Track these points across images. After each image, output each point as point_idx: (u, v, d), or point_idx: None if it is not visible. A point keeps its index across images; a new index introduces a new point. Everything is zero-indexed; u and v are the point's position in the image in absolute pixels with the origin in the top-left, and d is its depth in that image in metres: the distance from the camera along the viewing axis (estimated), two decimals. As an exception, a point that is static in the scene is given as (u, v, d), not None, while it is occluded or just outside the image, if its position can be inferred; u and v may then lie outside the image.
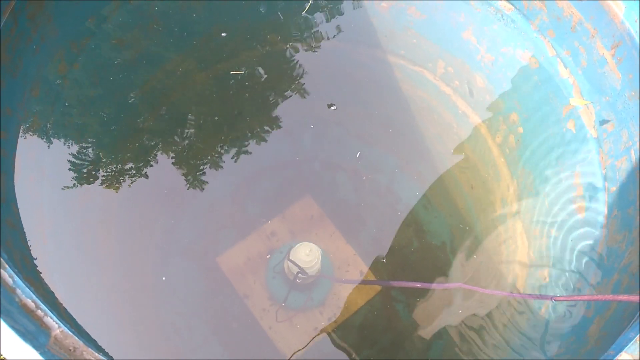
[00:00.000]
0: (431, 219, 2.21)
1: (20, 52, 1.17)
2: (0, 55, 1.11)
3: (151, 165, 2.00)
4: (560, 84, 1.60)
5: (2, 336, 0.67)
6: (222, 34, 1.89)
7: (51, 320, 0.75)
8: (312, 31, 2.07)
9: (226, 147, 2.14)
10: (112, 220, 1.91)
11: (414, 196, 2.26)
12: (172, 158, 2.04)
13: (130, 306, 1.89)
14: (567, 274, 1.59)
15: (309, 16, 2.01)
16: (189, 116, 2.06)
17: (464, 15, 1.73)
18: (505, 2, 1.62)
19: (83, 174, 1.74)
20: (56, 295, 1.31)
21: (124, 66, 1.72)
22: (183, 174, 2.06)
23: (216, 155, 2.12)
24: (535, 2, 1.54)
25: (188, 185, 2.05)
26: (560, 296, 1.06)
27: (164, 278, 1.83)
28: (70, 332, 0.73)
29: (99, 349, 0.79)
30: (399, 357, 1.97)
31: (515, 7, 1.61)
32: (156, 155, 2.01)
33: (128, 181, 1.90)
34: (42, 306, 0.75)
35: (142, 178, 1.93)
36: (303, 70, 2.17)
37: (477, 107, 1.93)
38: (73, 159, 1.69)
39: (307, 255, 1.86)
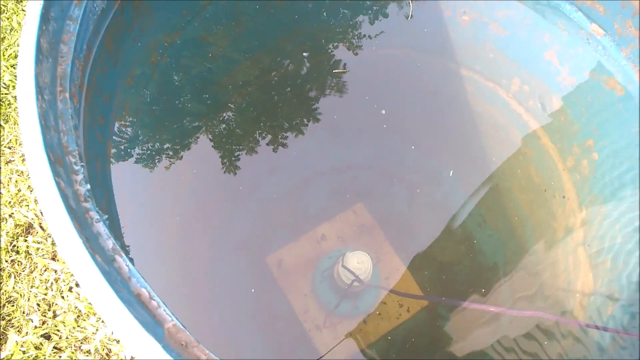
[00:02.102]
0: (485, 238, 2.17)
1: (121, 41, 1.19)
2: (105, 43, 1.13)
3: (214, 162, 2.02)
4: (647, 114, 1.54)
5: (125, 327, 0.66)
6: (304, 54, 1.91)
7: (164, 313, 0.74)
8: (385, 36, 2.06)
9: (286, 145, 2.15)
10: (180, 212, 1.93)
11: (468, 213, 2.21)
12: (235, 154, 2.06)
13: (182, 297, 1.91)
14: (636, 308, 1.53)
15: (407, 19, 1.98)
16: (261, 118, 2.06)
17: (549, 36, 1.69)
18: (597, 27, 1.57)
19: (152, 159, 1.76)
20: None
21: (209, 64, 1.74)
22: (238, 171, 2.07)
23: (274, 153, 2.13)
24: (630, 29, 1.49)
25: (245, 183, 2.07)
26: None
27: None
28: (181, 327, 0.73)
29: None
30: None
31: (607, 32, 1.56)
32: (219, 150, 2.03)
33: (193, 173, 1.92)
34: (155, 297, 0.75)
35: (211, 172, 1.95)
36: (371, 75, 2.16)
37: (549, 129, 1.88)
38: (152, 148, 1.72)
39: (358, 263, 1.86)
